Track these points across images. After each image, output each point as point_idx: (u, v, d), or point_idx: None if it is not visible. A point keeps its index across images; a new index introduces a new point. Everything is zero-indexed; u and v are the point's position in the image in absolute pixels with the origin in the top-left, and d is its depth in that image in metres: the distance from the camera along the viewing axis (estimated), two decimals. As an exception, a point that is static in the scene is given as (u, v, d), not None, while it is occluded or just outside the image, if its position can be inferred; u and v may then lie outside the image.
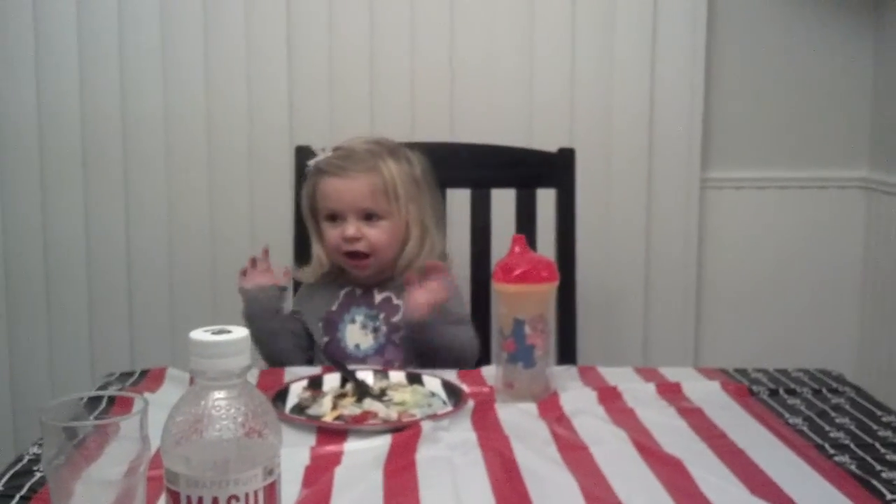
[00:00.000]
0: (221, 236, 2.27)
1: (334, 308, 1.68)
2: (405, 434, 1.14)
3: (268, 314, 1.64)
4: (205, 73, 2.21)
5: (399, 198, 1.63)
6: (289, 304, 1.75)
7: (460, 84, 2.23)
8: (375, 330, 1.65)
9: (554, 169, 1.90)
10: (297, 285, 1.80)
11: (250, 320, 1.63)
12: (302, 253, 1.82)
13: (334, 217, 1.65)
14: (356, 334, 1.65)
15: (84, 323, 2.28)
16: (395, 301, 1.66)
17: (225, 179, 2.25)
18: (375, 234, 1.63)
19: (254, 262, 1.67)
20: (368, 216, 1.63)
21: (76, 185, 2.24)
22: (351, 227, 1.62)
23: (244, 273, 1.66)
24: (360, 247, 1.63)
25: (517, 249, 1.35)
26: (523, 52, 2.23)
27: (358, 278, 1.68)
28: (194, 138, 2.23)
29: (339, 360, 1.57)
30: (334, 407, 1.24)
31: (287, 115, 2.22)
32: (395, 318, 1.64)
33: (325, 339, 1.67)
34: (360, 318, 1.66)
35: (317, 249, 1.71)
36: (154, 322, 2.28)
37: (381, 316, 1.65)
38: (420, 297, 1.54)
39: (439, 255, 1.69)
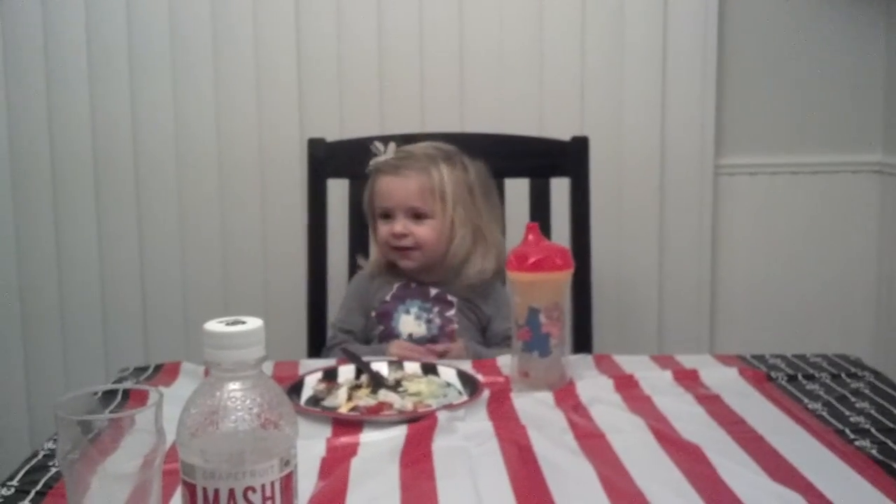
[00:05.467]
0: (233, 232, 2.26)
1: (388, 299, 1.74)
2: (421, 425, 1.14)
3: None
4: (214, 71, 2.20)
5: (446, 198, 1.71)
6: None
7: (470, 73, 2.22)
8: (429, 321, 1.71)
9: (567, 157, 1.89)
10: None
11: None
12: (317, 242, 1.85)
13: (386, 215, 1.73)
14: (410, 324, 1.71)
15: (98, 319, 2.28)
16: (450, 298, 1.72)
17: (236, 176, 2.25)
18: (422, 232, 1.71)
19: None
20: (417, 215, 1.71)
21: (88, 181, 2.24)
22: (399, 224, 1.71)
23: None
24: (406, 242, 1.71)
25: (531, 238, 1.34)
26: (533, 40, 2.21)
27: (412, 273, 1.74)
28: (205, 135, 2.23)
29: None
30: (349, 398, 1.24)
31: (297, 108, 2.21)
32: (448, 312, 1.70)
33: (380, 327, 1.72)
34: (414, 310, 1.73)
35: (374, 247, 1.80)
36: (167, 319, 2.28)
37: (436, 309, 1.71)
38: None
39: (497, 259, 1.72)
